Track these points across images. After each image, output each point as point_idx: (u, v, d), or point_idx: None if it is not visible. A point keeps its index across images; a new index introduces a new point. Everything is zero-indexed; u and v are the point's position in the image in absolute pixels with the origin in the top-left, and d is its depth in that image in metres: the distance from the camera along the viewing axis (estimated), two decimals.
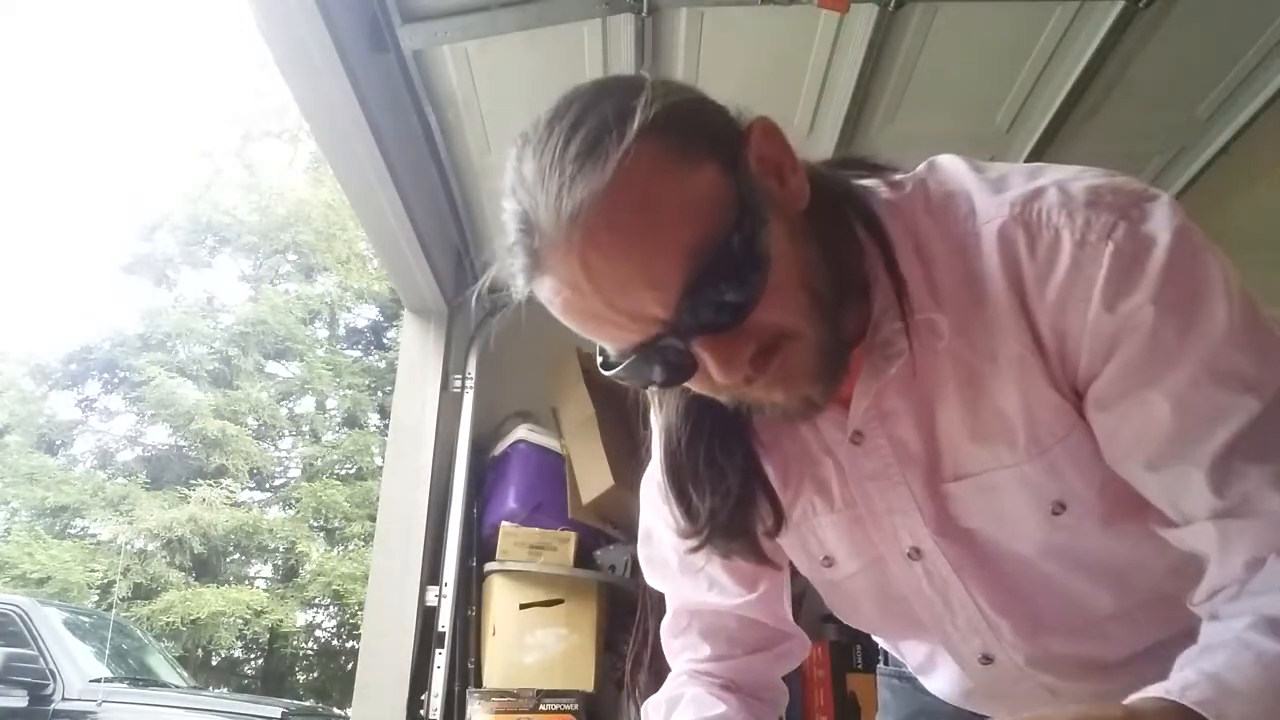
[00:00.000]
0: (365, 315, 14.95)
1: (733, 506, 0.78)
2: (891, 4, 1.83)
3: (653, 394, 0.81)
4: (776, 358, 0.65)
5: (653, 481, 0.90)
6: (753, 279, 0.62)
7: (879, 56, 1.99)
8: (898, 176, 0.77)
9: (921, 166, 0.78)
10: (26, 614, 5.98)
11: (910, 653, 1.00)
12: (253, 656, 13.63)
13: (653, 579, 0.98)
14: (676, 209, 0.61)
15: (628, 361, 0.65)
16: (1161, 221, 0.65)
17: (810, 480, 0.84)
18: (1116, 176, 0.69)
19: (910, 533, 0.81)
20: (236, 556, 12.64)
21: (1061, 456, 0.73)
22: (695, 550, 0.81)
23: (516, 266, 0.65)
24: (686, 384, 0.69)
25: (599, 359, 0.69)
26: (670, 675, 1.00)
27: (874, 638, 1.05)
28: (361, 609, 4.05)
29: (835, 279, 0.68)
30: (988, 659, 0.87)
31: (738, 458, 0.79)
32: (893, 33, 1.94)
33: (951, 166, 0.76)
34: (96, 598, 10.89)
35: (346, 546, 12.32)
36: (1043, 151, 2.27)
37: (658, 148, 0.61)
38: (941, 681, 0.97)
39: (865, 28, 1.91)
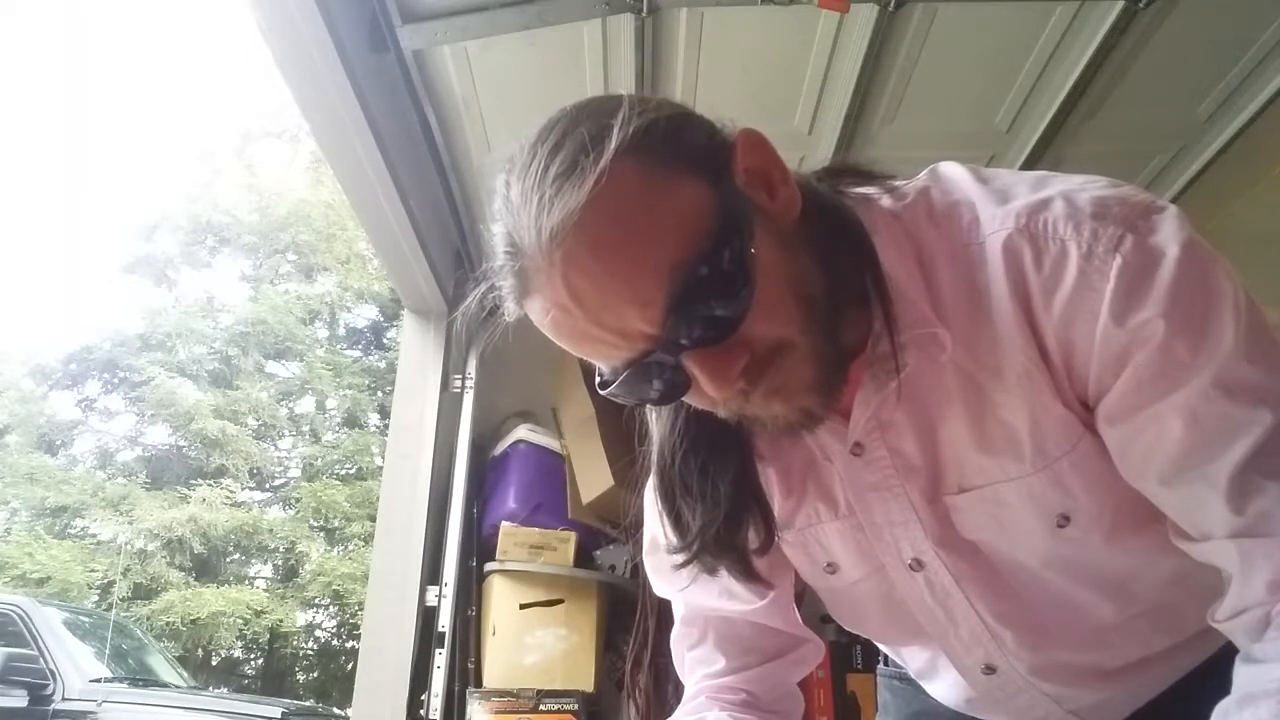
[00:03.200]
0: (365, 315, 14.96)
1: (721, 522, 0.77)
2: (891, 4, 1.83)
3: (650, 409, 0.80)
4: (770, 369, 0.65)
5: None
6: (739, 292, 0.62)
7: (879, 56, 1.99)
8: (900, 185, 0.76)
9: (924, 174, 0.77)
10: (26, 614, 5.98)
11: (912, 659, 0.99)
12: (253, 656, 13.63)
13: (660, 587, 0.97)
14: (657, 225, 0.61)
15: (621, 379, 0.65)
16: (1169, 234, 0.65)
17: (814, 487, 0.83)
18: (1123, 186, 0.69)
19: (911, 544, 0.80)
20: (236, 556, 12.63)
21: (1067, 469, 0.72)
22: (682, 566, 0.81)
23: (506, 289, 0.66)
24: (685, 399, 0.69)
25: (597, 379, 0.69)
26: (685, 696, 0.98)
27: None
28: (361, 609, 4.05)
29: (832, 289, 0.68)
30: (990, 669, 0.87)
31: (730, 473, 0.78)
32: (893, 33, 1.94)
33: (955, 175, 0.75)
34: (96, 598, 10.88)
35: (346, 546, 12.31)
36: (1043, 151, 2.27)
37: (636, 165, 0.61)
38: (943, 687, 0.97)
39: (865, 28, 1.91)
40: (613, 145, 0.60)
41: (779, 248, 0.65)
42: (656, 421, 0.81)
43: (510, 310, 0.67)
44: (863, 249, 0.72)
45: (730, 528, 0.78)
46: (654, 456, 0.81)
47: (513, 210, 0.64)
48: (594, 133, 0.62)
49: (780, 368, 0.65)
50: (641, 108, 0.64)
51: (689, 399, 0.69)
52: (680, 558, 0.80)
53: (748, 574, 0.81)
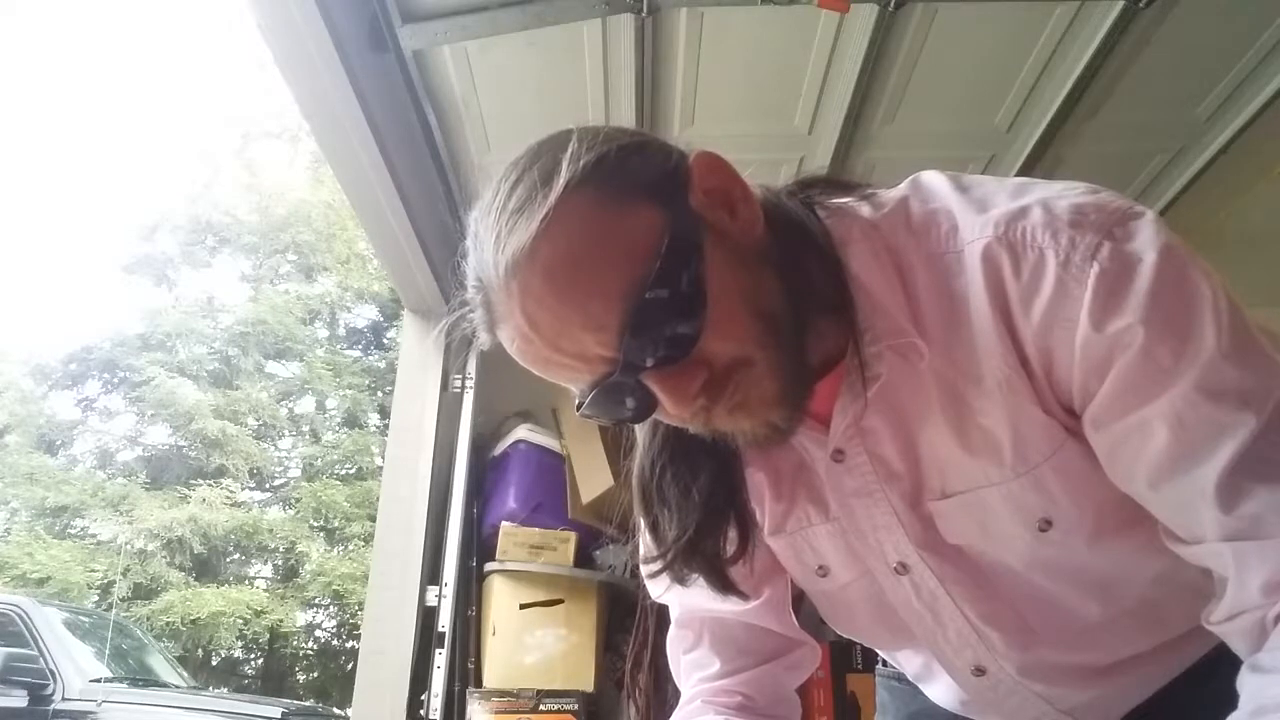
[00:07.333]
0: (365, 315, 14.93)
1: (693, 533, 0.79)
2: (891, 4, 1.83)
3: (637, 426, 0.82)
4: (730, 385, 0.66)
5: None
6: (693, 312, 0.63)
7: (879, 56, 1.99)
8: (880, 194, 0.77)
9: (904, 184, 0.77)
10: (26, 614, 5.98)
11: (907, 663, 1.00)
12: (253, 656, 13.62)
13: (657, 592, 0.97)
14: (607, 251, 0.63)
15: (590, 401, 0.67)
16: (1146, 240, 0.65)
17: (805, 490, 0.84)
18: (1101, 193, 0.69)
19: (895, 548, 0.81)
20: (236, 556, 12.62)
21: (1048, 474, 0.73)
22: (656, 575, 0.82)
23: (477, 320, 0.69)
24: (656, 417, 0.71)
25: (576, 402, 0.70)
26: (681, 701, 0.99)
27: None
28: (361, 609, 4.06)
29: (796, 303, 0.68)
30: (980, 670, 0.87)
31: (706, 484, 0.79)
32: (893, 33, 1.94)
33: (934, 184, 0.75)
34: (96, 598, 10.87)
35: (346, 546, 12.31)
36: (1043, 151, 2.27)
37: (586, 196, 0.63)
38: (939, 690, 0.97)
39: (865, 28, 1.91)
40: (562, 180, 0.63)
41: (737, 266, 0.66)
42: (640, 433, 0.82)
43: (484, 340, 0.70)
44: (830, 261, 0.72)
45: (702, 538, 0.79)
46: (634, 468, 0.82)
47: (478, 246, 0.67)
48: (546, 169, 0.65)
49: (740, 384, 0.67)
50: (591, 141, 0.66)
51: (659, 416, 0.70)
52: (655, 566, 0.81)
53: (721, 583, 0.82)
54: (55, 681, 5.64)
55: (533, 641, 2.58)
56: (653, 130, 2.12)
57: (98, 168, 21.60)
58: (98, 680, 5.89)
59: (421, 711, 2.41)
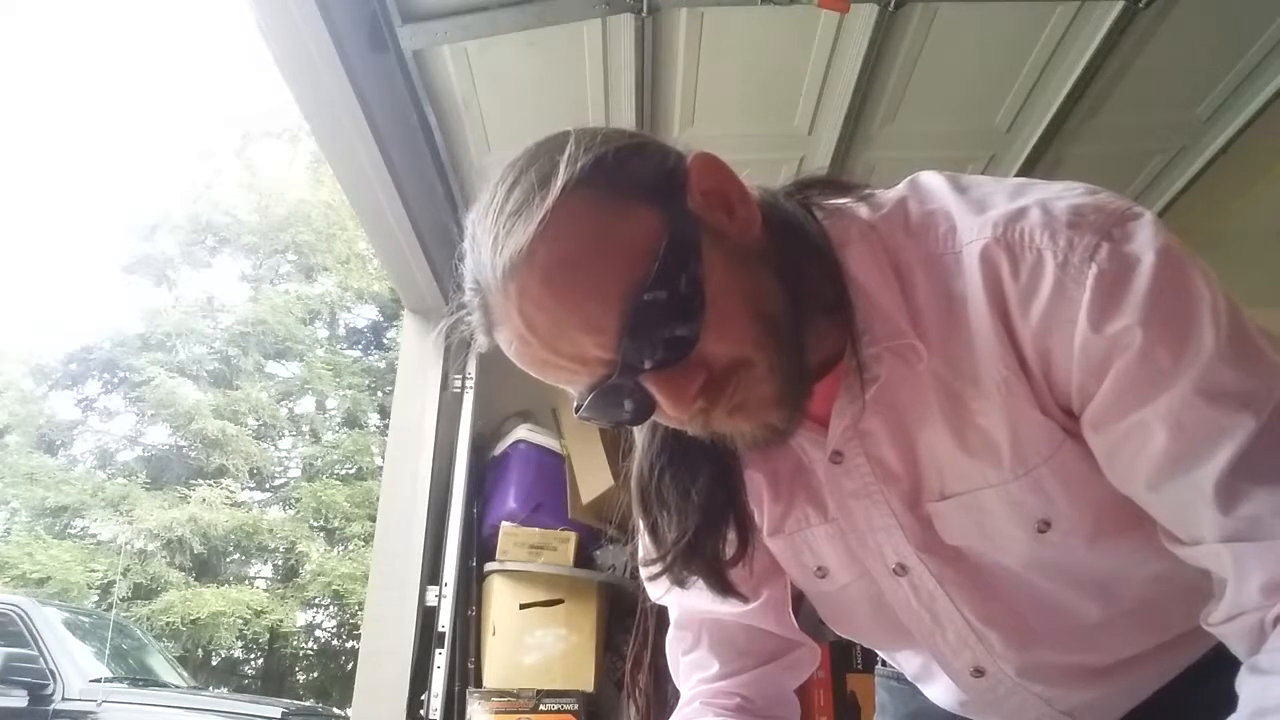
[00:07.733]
0: (365, 315, 14.95)
1: (693, 535, 0.79)
2: (891, 4, 1.83)
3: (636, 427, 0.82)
4: (729, 387, 0.66)
5: None
6: (691, 313, 0.63)
7: (879, 56, 1.99)
8: (878, 195, 0.77)
9: (903, 184, 0.77)
10: (26, 614, 5.99)
11: (906, 663, 1.00)
12: (253, 656, 13.63)
13: (657, 594, 0.97)
14: (605, 253, 0.63)
15: (589, 403, 0.67)
16: (1145, 241, 0.65)
17: (804, 491, 0.84)
18: (1100, 194, 0.69)
19: (894, 549, 0.81)
20: (236, 556, 12.63)
21: (1047, 475, 0.73)
22: (656, 577, 0.82)
23: (475, 322, 0.69)
24: (655, 418, 0.70)
25: (574, 404, 0.70)
26: (680, 702, 0.99)
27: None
28: (361, 609, 4.06)
29: (795, 304, 0.68)
30: (979, 672, 0.87)
31: (705, 487, 0.79)
32: (893, 33, 1.94)
33: (933, 184, 0.75)
34: (96, 598, 10.88)
35: (346, 546, 12.32)
36: (1043, 151, 2.27)
37: (584, 198, 0.63)
38: (939, 691, 0.97)
39: (865, 28, 1.91)
40: (560, 181, 0.63)
41: (736, 267, 0.66)
42: (639, 435, 0.82)
43: (482, 342, 0.70)
44: (829, 262, 0.72)
45: (702, 540, 0.79)
46: (633, 470, 0.82)
47: (475, 248, 0.67)
48: (544, 171, 0.64)
49: (739, 386, 0.66)
50: (589, 142, 0.66)
51: (657, 418, 0.70)
52: (655, 569, 0.81)
53: (720, 585, 0.81)
54: (55, 681, 5.64)
55: (533, 641, 2.58)
56: (653, 131, 2.14)
57: (98, 168, 21.63)
58: (98, 680, 5.90)
59: (421, 711, 2.41)
